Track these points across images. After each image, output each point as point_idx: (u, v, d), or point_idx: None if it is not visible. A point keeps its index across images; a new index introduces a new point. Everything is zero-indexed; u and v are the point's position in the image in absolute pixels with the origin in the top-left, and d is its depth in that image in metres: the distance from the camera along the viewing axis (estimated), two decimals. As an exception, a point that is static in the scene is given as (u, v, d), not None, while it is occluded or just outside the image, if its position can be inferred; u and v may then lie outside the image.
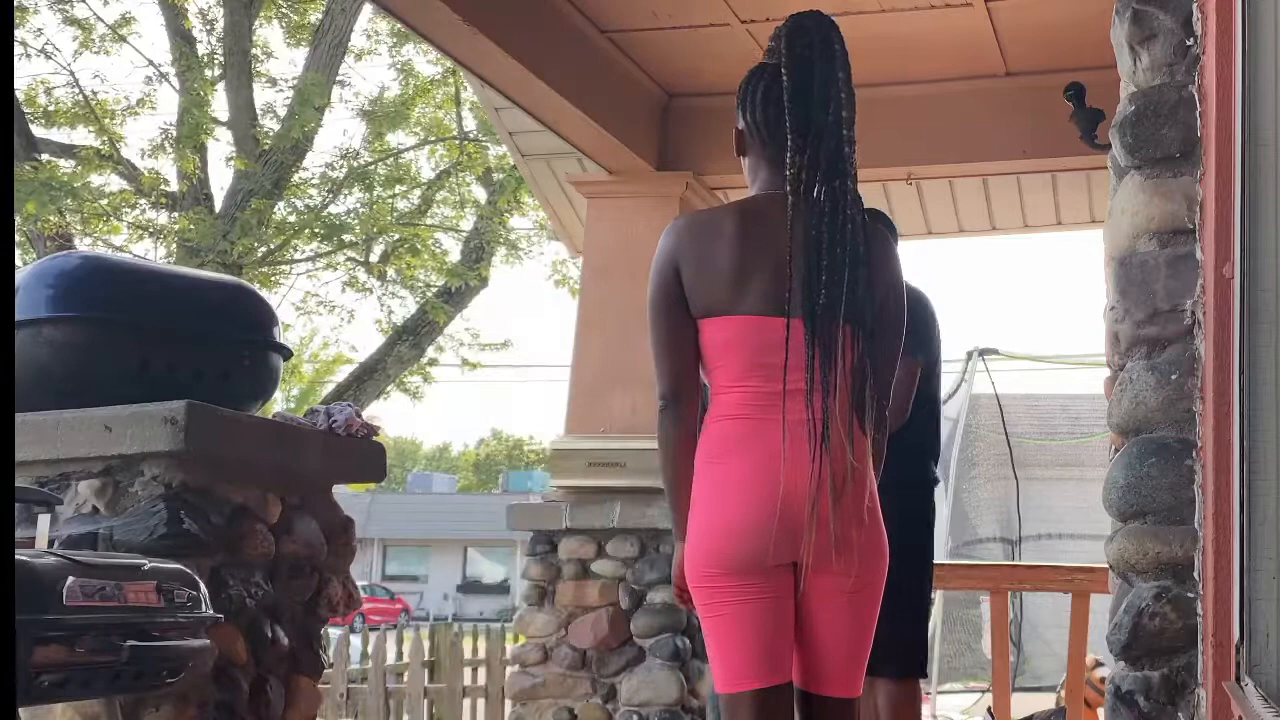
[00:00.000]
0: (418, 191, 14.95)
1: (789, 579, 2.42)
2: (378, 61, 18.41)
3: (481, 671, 9.09)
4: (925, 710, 6.72)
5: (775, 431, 2.37)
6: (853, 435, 2.41)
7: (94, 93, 14.00)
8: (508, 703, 6.91)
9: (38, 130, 13.40)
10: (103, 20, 14.29)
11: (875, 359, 2.47)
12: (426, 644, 8.98)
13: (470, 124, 14.51)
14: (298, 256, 14.48)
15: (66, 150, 13.55)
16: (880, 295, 2.47)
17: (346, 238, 14.02)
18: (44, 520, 3.22)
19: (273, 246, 13.75)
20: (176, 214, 13.26)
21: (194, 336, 3.82)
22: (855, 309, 2.39)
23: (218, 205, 13.31)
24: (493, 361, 16.52)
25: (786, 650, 2.45)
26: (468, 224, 14.73)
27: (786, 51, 2.45)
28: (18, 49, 13.08)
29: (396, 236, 14.34)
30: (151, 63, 14.65)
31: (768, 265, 2.40)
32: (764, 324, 2.39)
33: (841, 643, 2.47)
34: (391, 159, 14.94)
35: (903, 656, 3.69)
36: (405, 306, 14.59)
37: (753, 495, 2.38)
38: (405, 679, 8.66)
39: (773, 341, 2.38)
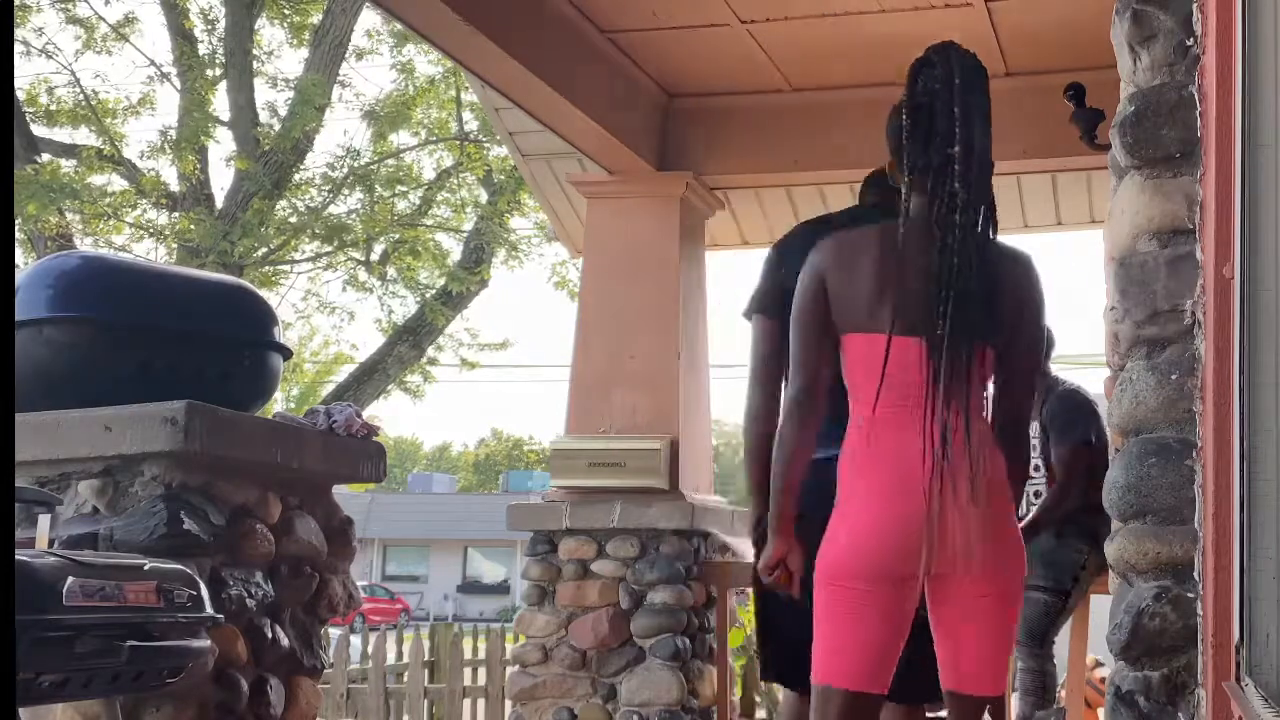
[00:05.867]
0: (418, 192, 14.95)
1: (915, 591, 2.53)
2: (378, 61, 18.47)
3: (481, 671, 9.09)
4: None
5: (909, 447, 2.48)
6: (985, 450, 2.53)
7: (95, 92, 14.01)
8: (508, 703, 6.90)
9: (39, 130, 13.41)
10: (104, 20, 14.31)
11: (1006, 380, 2.65)
12: (426, 644, 8.97)
13: (471, 124, 14.51)
14: (298, 257, 14.48)
15: (68, 150, 13.56)
16: (1010, 319, 2.60)
17: (347, 238, 14.02)
18: (44, 520, 3.22)
19: (273, 246, 13.74)
20: (177, 214, 13.27)
21: (194, 336, 3.82)
22: (981, 331, 2.52)
23: (218, 205, 13.32)
24: (492, 361, 16.55)
25: (892, 664, 2.55)
26: (468, 225, 14.74)
27: (908, 90, 2.61)
28: (18, 48, 13.09)
29: (397, 237, 14.35)
30: (153, 62, 14.68)
31: (905, 287, 2.52)
32: (899, 343, 2.51)
33: (986, 643, 2.58)
34: (392, 159, 14.94)
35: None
36: (405, 306, 14.61)
37: (887, 508, 2.49)
38: (405, 679, 8.66)
39: (907, 360, 2.50)
